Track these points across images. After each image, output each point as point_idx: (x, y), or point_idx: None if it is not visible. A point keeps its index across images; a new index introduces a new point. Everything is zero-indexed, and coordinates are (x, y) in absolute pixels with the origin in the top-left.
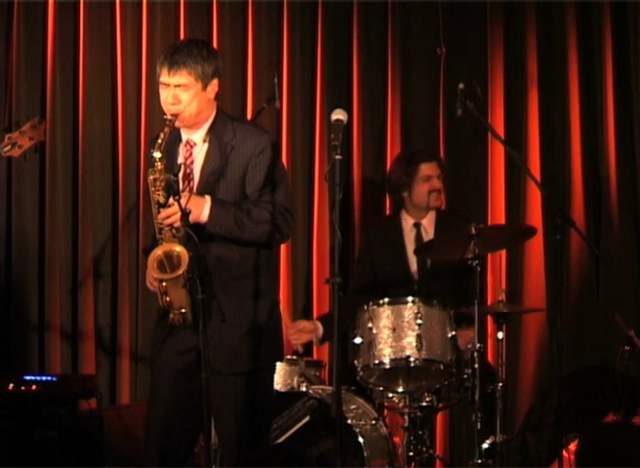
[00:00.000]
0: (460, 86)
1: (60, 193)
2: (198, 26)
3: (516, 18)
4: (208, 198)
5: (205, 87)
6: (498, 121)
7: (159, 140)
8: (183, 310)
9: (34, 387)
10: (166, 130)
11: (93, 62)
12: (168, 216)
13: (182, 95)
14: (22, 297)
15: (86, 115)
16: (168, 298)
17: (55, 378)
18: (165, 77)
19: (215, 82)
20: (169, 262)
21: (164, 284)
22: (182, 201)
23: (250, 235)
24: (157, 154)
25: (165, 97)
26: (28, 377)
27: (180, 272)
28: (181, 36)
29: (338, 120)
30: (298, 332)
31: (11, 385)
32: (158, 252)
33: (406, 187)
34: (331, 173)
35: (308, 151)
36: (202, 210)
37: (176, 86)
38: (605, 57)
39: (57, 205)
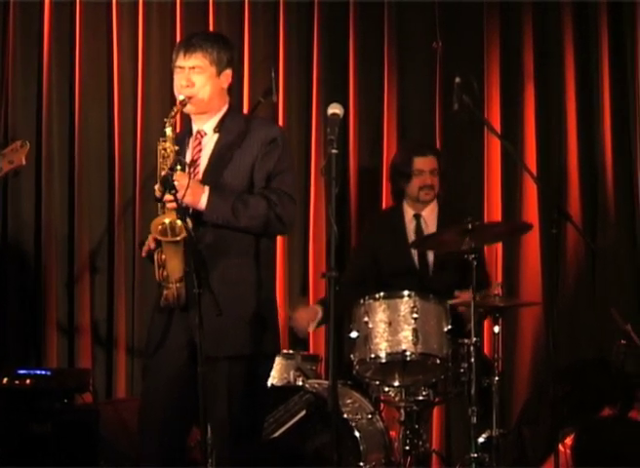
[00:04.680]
0: (457, 80)
1: (57, 188)
2: (195, 24)
3: (512, 12)
4: (206, 188)
5: (219, 73)
6: (494, 115)
7: (172, 113)
8: (178, 284)
9: (28, 381)
10: (179, 106)
11: (89, 60)
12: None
13: (196, 77)
14: (19, 291)
15: (82, 111)
16: (165, 272)
17: (49, 372)
18: (180, 60)
19: (228, 72)
20: (171, 231)
21: (163, 256)
22: (183, 180)
23: (247, 223)
24: (169, 129)
25: (179, 80)
26: (22, 371)
27: (179, 238)
28: (178, 35)
29: (334, 114)
30: (299, 321)
31: (5, 379)
32: (164, 219)
33: (404, 179)
34: (327, 167)
35: (304, 145)
36: (199, 199)
37: (190, 68)
38: (601, 51)
39: (53, 199)
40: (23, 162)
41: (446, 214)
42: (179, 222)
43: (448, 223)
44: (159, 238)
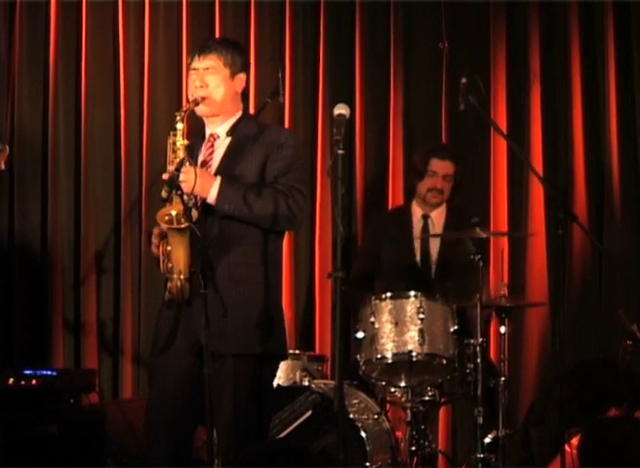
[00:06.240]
0: (463, 80)
1: (63, 188)
2: (201, 24)
3: (519, 12)
4: (218, 178)
5: (232, 76)
6: (500, 116)
7: (184, 108)
8: (182, 276)
9: (34, 382)
10: (191, 104)
11: (95, 60)
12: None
13: (210, 78)
14: (25, 292)
15: (88, 111)
16: (170, 264)
17: (55, 373)
18: (195, 62)
19: (242, 76)
20: (177, 222)
21: (168, 248)
22: (191, 171)
23: (258, 212)
24: (179, 124)
25: (193, 82)
26: (28, 372)
27: (184, 226)
28: (184, 35)
29: (340, 115)
30: None
31: (11, 380)
32: (170, 211)
33: (417, 177)
34: (333, 167)
35: (311, 146)
36: (210, 188)
37: (204, 69)
38: (607, 51)
39: (59, 200)
40: (3, 167)
41: (453, 219)
42: (185, 215)
43: (455, 228)
44: (164, 226)
